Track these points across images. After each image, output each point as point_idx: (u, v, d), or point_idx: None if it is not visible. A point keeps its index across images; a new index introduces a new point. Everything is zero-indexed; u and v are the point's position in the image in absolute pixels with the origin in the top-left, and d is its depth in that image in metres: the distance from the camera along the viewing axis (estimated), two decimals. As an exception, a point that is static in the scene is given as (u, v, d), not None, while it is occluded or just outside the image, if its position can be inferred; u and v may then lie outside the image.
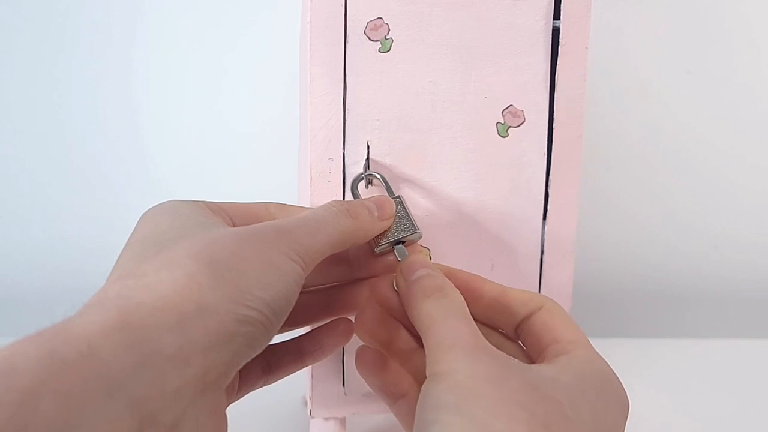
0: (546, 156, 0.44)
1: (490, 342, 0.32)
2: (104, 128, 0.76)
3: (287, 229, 0.34)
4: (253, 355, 0.31)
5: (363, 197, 0.41)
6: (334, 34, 0.40)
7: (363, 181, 0.42)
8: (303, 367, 0.41)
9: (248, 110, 0.76)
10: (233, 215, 0.37)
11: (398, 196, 0.40)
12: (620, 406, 0.32)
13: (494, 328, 0.38)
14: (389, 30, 0.41)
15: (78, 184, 0.76)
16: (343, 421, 0.46)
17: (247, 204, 0.39)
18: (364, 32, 0.41)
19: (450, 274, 0.37)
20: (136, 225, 0.34)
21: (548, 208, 0.45)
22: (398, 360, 0.38)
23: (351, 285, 0.41)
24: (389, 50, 0.41)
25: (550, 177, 0.44)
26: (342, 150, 0.42)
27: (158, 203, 0.36)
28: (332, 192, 0.42)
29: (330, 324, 0.40)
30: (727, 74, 0.77)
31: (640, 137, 0.78)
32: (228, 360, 0.29)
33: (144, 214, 0.35)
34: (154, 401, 0.26)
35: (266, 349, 0.39)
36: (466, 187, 0.43)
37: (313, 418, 0.45)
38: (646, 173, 0.79)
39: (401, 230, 0.40)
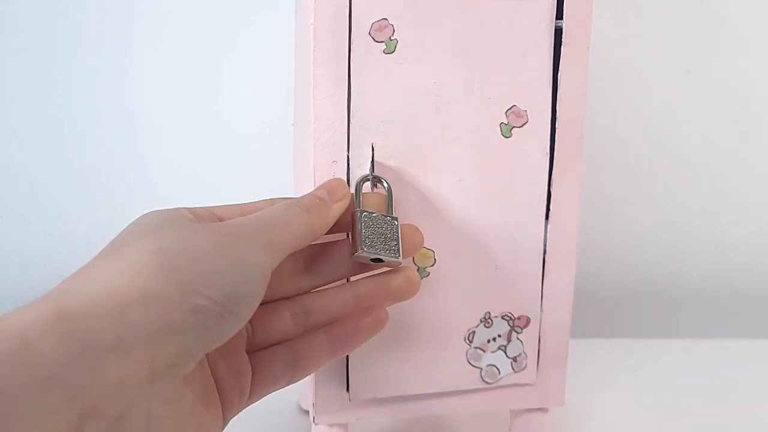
0: (549, 156, 0.44)
1: None
2: (104, 128, 0.75)
3: (247, 223, 0.34)
4: (213, 347, 0.31)
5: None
6: (339, 35, 0.40)
7: (369, 183, 0.42)
8: (334, 358, 0.40)
9: (248, 110, 0.76)
10: (223, 216, 0.36)
11: (395, 217, 0.40)
12: None
13: None
14: (394, 31, 0.41)
15: (77, 185, 0.76)
16: (346, 427, 0.46)
17: (249, 204, 0.38)
18: (369, 33, 0.40)
19: None
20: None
21: (551, 208, 0.45)
22: None
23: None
24: (394, 51, 0.41)
25: (553, 177, 0.44)
26: (346, 152, 0.41)
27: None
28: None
29: (366, 308, 0.40)
30: (727, 74, 0.78)
31: (640, 137, 0.78)
32: (179, 350, 0.29)
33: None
34: (95, 392, 0.26)
35: (289, 343, 0.38)
36: (470, 188, 0.43)
37: (316, 425, 0.45)
38: (646, 173, 0.79)
39: (386, 249, 0.39)
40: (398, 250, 0.39)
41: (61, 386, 0.25)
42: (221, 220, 0.36)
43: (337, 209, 0.38)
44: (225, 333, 0.31)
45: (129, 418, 0.27)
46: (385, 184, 0.41)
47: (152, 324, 0.28)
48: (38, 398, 0.24)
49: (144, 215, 0.35)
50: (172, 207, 0.36)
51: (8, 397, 0.24)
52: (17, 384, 0.24)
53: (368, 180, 0.41)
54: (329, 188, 0.39)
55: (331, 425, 0.45)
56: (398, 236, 0.39)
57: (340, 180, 0.40)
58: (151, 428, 0.28)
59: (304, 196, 0.38)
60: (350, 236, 0.40)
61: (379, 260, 0.39)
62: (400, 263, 0.39)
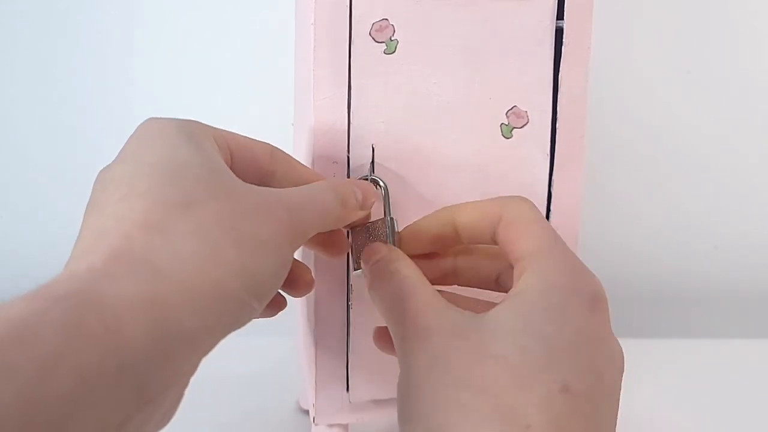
0: (549, 156, 0.44)
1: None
2: (104, 128, 0.75)
3: (294, 209, 0.33)
4: None
5: None
6: (339, 36, 0.40)
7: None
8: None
9: (248, 110, 0.76)
10: (234, 148, 0.35)
11: (391, 218, 0.40)
12: (587, 304, 0.33)
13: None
14: (394, 31, 0.40)
15: (77, 185, 0.76)
16: (346, 427, 0.46)
17: (251, 142, 0.37)
18: (369, 33, 0.40)
19: (417, 232, 0.39)
20: (141, 134, 0.33)
21: (551, 208, 0.45)
22: None
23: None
24: (394, 51, 0.41)
25: (553, 177, 0.44)
26: (346, 153, 0.41)
27: (163, 117, 0.33)
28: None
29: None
30: (727, 74, 0.78)
31: (640, 137, 0.78)
32: (220, 340, 0.29)
33: (149, 124, 0.33)
34: (158, 386, 0.26)
35: None
36: (471, 189, 0.43)
37: (316, 425, 0.45)
38: (646, 173, 0.79)
39: None
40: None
41: (133, 379, 0.24)
42: (230, 148, 0.35)
43: (361, 215, 0.38)
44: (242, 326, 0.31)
45: (162, 406, 0.27)
46: (382, 184, 0.41)
47: (222, 322, 0.28)
48: (110, 390, 0.24)
49: (179, 126, 0.33)
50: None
51: (88, 379, 0.23)
52: (98, 366, 0.23)
53: (367, 180, 0.41)
54: (365, 191, 0.38)
55: (331, 425, 0.45)
56: (392, 237, 0.39)
57: (373, 188, 0.40)
58: (173, 407, 0.29)
59: (346, 187, 0.37)
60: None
61: None
62: None
